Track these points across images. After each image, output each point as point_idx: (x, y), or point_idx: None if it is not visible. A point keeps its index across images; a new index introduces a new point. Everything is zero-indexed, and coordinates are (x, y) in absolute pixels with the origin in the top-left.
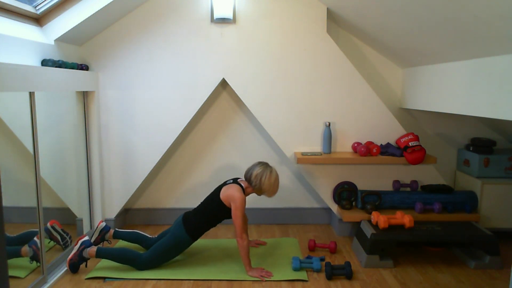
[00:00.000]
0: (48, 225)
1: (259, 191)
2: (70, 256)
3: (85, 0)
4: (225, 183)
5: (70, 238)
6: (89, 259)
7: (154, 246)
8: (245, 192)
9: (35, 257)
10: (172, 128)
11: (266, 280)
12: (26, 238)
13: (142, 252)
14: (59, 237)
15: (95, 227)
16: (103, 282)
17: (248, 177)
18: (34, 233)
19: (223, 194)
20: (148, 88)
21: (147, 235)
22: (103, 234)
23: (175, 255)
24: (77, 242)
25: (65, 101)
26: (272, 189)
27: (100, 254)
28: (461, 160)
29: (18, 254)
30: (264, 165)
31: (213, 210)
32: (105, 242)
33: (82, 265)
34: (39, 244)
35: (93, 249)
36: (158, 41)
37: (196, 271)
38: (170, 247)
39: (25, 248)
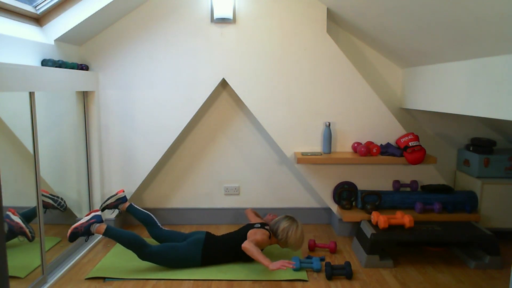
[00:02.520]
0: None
1: (285, 245)
2: (76, 225)
3: (85, 0)
4: (253, 226)
5: (62, 199)
6: (93, 235)
7: (166, 246)
8: (270, 240)
9: (11, 229)
10: (172, 128)
11: (269, 280)
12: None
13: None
14: (51, 201)
15: (114, 193)
16: (103, 282)
17: (274, 229)
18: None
19: (250, 235)
20: (148, 88)
21: (158, 222)
22: (118, 202)
23: (179, 266)
24: (89, 213)
25: (65, 101)
26: (297, 244)
27: (108, 233)
28: (461, 160)
29: None
30: (291, 219)
31: (236, 247)
32: (116, 210)
33: (82, 239)
34: (11, 216)
35: (103, 226)
36: (158, 41)
37: (196, 271)
38: (179, 257)
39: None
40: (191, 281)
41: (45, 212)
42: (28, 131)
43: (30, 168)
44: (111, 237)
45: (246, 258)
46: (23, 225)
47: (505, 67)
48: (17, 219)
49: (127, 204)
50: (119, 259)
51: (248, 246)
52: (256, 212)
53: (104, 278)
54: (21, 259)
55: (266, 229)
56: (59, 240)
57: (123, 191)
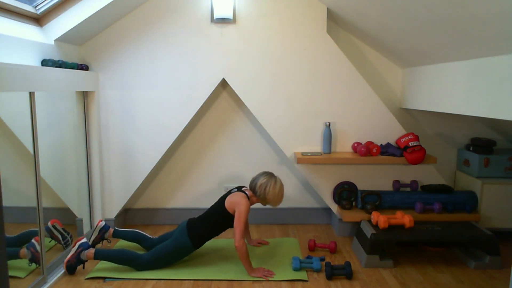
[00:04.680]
0: (49, 224)
1: (264, 201)
2: (67, 258)
3: (85, 0)
4: (229, 192)
5: (71, 237)
6: (86, 261)
7: (155, 249)
8: (249, 200)
9: (33, 259)
10: (172, 128)
11: (269, 280)
12: (26, 239)
13: (141, 252)
14: (60, 236)
15: (94, 227)
16: (103, 282)
17: (252, 186)
18: (34, 233)
19: (228, 202)
20: (148, 88)
21: (147, 234)
22: (102, 233)
23: (176, 260)
24: (75, 244)
25: (65, 101)
26: (276, 199)
27: (98, 256)
28: (461, 160)
29: (16, 256)
30: (269, 175)
31: (217, 219)
32: (104, 241)
33: (80, 267)
34: (37, 247)
35: (91, 251)
36: (158, 41)
37: (196, 271)
38: (171, 252)
39: (24, 250)
40: (191, 281)
41: (50, 241)
42: (28, 131)
43: (30, 168)
44: (101, 259)
45: (232, 224)
46: (56, 234)
47: (505, 67)
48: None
49: (111, 230)
50: None
51: (240, 246)
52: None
53: (104, 278)
54: (21, 259)
55: (243, 191)
56: None
57: (102, 220)
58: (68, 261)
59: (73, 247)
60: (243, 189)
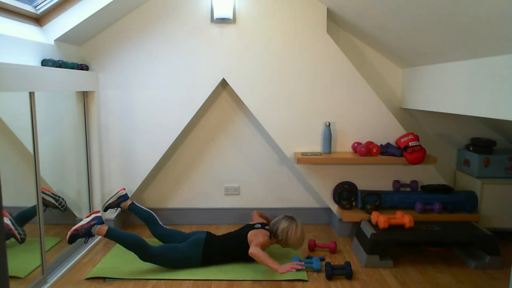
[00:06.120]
0: None
1: (285, 245)
2: (76, 226)
3: (85, 0)
4: (253, 226)
5: (63, 199)
6: (94, 236)
7: (166, 247)
8: (270, 241)
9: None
10: (172, 128)
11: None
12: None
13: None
14: (52, 200)
15: (116, 192)
16: (103, 282)
17: (274, 230)
18: (26, 212)
19: (251, 236)
20: (148, 88)
21: (159, 221)
22: (120, 201)
23: (181, 266)
24: (90, 215)
25: (65, 101)
26: (298, 243)
27: (109, 235)
28: (461, 160)
29: None
30: (290, 219)
31: (236, 248)
32: (118, 209)
33: (81, 241)
34: (7, 220)
35: (104, 227)
36: (158, 41)
37: (196, 271)
38: (180, 257)
39: None
40: (191, 281)
41: (44, 210)
42: (28, 131)
43: (30, 168)
44: (112, 238)
45: (246, 259)
46: (12, 227)
47: (505, 67)
48: (6, 220)
49: (129, 202)
50: (119, 259)
51: (255, 251)
52: (262, 213)
53: (104, 278)
54: (21, 259)
55: (266, 229)
56: (59, 240)
57: (124, 189)
58: (76, 229)
59: (87, 217)
60: (266, 227)
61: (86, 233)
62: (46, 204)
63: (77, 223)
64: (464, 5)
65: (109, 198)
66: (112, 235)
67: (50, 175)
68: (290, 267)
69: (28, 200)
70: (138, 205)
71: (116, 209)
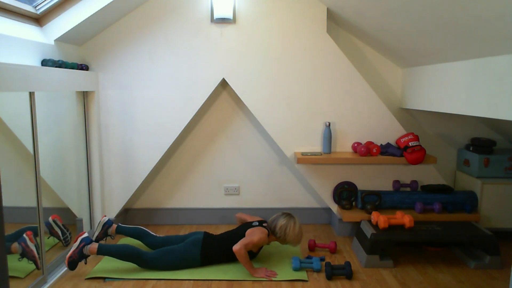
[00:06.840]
0: (50, 219)
1: (284, 241)
2: (69, 253)
3: (85, 0)
4: (251, 224)
5: (70, 234)
6: (89, 256)
7: (163, 250)
8: (268, 238)
9: (24, 254)
10: (172, 128)
11: (272, 280)
12: (21, 235)
13: (144, 249)
14: (59, 232)
15: (98, 222)
16: (103, 282)
17: (272, 227)
18: (30, 230)
19: (247, 235)
20: (148, 88)
21: (151, 232)
22: (105, 228)
23: (179, 267)
24: (77, 239)
25: (65, 101)
26: (296, 240)
27: (101, 251)
28: (461, 160)
29: (8, 251)
30: (288, 216)
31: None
32: (108, 237)
33: (81, 263)
34: (28, 242)
35: (94, 245)
36: (158, 41)
37: (196, 271)
38: (178, 258)
39: (15, 245)
40: (191, 281)
41: (48, 237)
42: (28, 131)
43: (30, 168)
44: (105, 254)
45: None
46: (36, 254)
47: (505, 67)
48: (32, 246)
49: (114, 226)
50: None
51: (239, 250)
52: (244, 214)
53: (104, 278)
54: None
55: (264, 227)
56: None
57: (105, 216)
58: (70, 256)
59: (74, 242)
60: (264, 224)
61: (80, 256)
62: (51, 233)
63: (77, 223)
64: (464, 5)
65: (95, 231)
66: (104, 251)
67: (50, 175)
68: (264, 274)
69: (28, 200)
70: (124, 225)
71: (106, 238)
